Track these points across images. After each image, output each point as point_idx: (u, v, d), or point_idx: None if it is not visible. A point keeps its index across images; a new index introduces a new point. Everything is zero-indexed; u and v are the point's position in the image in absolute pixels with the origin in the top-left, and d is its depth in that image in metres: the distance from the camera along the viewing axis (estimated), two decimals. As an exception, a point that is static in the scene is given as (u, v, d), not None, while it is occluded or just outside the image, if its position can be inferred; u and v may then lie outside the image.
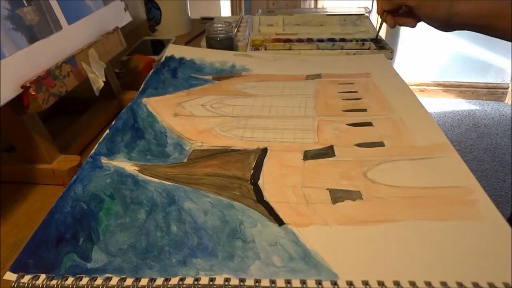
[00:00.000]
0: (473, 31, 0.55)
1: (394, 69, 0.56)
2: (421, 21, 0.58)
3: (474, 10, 0.51)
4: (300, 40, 0.71)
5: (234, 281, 0.25)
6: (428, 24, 0.57)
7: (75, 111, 0.49)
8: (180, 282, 0.25)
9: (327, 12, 0.94)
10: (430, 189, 0.32)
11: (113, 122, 0.43)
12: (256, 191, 0.32)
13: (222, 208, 0.31)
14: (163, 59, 0.61)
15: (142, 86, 0.53)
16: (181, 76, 0.56)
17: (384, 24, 0.61)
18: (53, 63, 0.38)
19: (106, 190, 0.33)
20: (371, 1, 2.37)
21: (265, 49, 0.68)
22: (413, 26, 0.60)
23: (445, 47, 2.17)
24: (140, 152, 0.39)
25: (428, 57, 2.23)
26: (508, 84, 2.30)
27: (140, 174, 0.35)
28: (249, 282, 0.24)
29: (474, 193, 0.31)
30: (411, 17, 0.59)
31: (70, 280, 0.25)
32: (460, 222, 0.28)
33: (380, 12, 0.60)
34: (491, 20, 0.51)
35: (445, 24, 0.54)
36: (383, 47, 0.66)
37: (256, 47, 0.69)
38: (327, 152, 0.37)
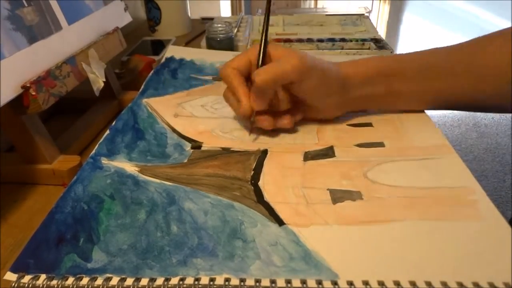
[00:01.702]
0: (372, 106, 0.43)
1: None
2: (303, 113, 0.41)
3: (366, 71, 0.40)
4: (300, 40, 0.71)
5: (235, 281, 0.25)
6: (314, 115, 0.42)
7: (75, 111, 0.49)
8: (180, 282, 0.25)
9: (327, 12, 0.94)
10: (430, 189, 0.32)
11: (113, 123, 0.43)
12: (257, 191, 0.32)
13: (223, 208, 0.31)
14: (163, 60, 0.61)
15: (142, 86, 0.53)
16: (181, 76, 0.56)
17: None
18: (53, 63, 0.38)
19: (106, 191, 0.33)
20: (371, 1, 2.37)
21: (265, 49, 0.68)
22: (291, 125, 0.40)
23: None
24: (141, 152, 0.39)
25: (428, 57, 2.23)
26: (508, 84, 2.30)
27: (140, 175, 0.35)
28: (249, 282, 0.25)
29: (474, 193, 0.31)
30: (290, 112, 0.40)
31: (70, 280, 0.25)
32: (460, 222, 0.28)
33: (248, 111, 0.38)
34: (391, 79, 0.40)
35: (339, 97, 0.40)
36: (383, 47, 0.66)
37: (256, 47, 0.69)
38: (327, 152, 0.37)
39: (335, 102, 0.40)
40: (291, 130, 0.41)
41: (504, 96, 0.39)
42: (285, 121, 0.40)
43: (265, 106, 0.38)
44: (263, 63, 0.39)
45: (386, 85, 0.40)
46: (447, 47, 0.41)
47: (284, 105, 0.39)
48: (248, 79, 0.39)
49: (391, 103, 0.42)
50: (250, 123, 0.41)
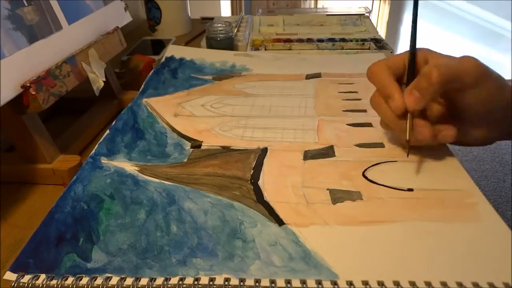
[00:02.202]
0: None
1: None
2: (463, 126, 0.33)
3: None
4: (300, 40, 0.71)
5: (234, 281, 0.25)
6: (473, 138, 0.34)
7: (75, 111, 0.49)
8: (180, 282, 0.25)
9: (327, 12, 0.94)
10: (430, 191, 0.32)
11: (113, 123, 0.43)
12: (256, 191, 0.32)
13: (222, 208, 0.31)
14: (163, 59, 0.61)
15: (142, 86, 0.53)
16: (181, 76, 0.56)
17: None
18: (53, 63, 0.38)
19: (106, 190, 0.33)
20: (371, 1, 2.37)
21: (265, 49, 0.68)
22: (454, 136, 0.33)
23: (445, 46, 2.17)
24: (140, 152, 0.39)
25: (428, 57, 2.23)
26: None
27: (140, 174, 0.35)
28: (249, 282, 0.25)
29: (473, 196, 0.31)
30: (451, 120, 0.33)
31: (70, 280, 0.25)
32: (459, 223, 0.28)
33: (401, 110, 0.32)
34: None
35: (504, 119, 0.33)
36: (383, 47, 0.66)
37: (256, 47, 0.69)
38: (327, 152, 0.37)
39: (498, 127, 0.34)
40: (291, 126, 0.41)
41: None
42: (450, 132, 0.32)
43: (423, 105, 0.32)
44: (413, 69, 0.34)
45: None
46: None
47: (439, 111, 0.33)
48: (400, 82, 0.34)
49: None
50: (408, 137, 0.33)
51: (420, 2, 0.38)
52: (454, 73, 0.31)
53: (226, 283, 0.25)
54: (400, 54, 0.35)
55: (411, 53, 0.34)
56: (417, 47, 0.35)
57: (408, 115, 0.32)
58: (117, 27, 0.51)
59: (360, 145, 0.38)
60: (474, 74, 0.30)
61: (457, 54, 0.34)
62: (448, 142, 0.34)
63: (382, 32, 2.38)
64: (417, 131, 0.32)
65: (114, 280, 0.25)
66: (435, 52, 0.35)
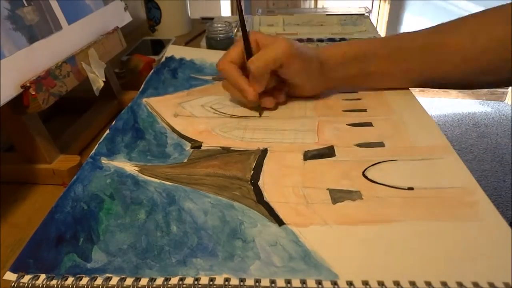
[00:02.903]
0: (349, 86, 0.48)
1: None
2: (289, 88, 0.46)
3: (339, 54, 0.44)
4: (300, 40, 0.71)
5: (234, 281, 0.25)
6: (298, 93, 0.47)
7: (75, 111, 0.49)
8: (180, 282, 0.25)
9: (327, 12, 0.94)
10: (430, 189, 0.32)
11: (113, 123, 0.43)
12: (256, 191, 0.32)
13: (222, 208, 0.31)
14: (163, 59, 0.61)
15: (142, 86, 0.53)
16: (181, 76, 0.56)
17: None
18: (53, 63, 0.38)
19: (106, 190, 0.33)
20: (371, 1, 2.37)
21: (265, 49, 0.68)
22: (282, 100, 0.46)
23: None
24: (140, 152, 0.39)
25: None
26: (508, 84, 2.30)
27: (140, 175, 0.35)
28: (249, 282, 0.25)
29: (474, 194, 0.31)
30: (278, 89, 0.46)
31: (70, 280, 0.25)
32: (460, 222, 0.28)
33: (254, 97, 0.43)
34: (362, 62, 0.45)
35: (318, 77, 0.45)
36: (383, 47, 0.66)
37: (256, 47, 0.69)
38: (327, 152, 0.37)
39: (315, 82, 0.46)
40: (291, 126, 0.41)
41: (466, 74, 0.44)
42: (282, 97, 0.46)
43: (263, 87, 0.43)
44: (250, 52, 0.43)
45: (359, 67, 0.45)
46: (414, 31, 0.46)
47: (272, 84, 0.45)
48: (243, 67, 0.43)
49: (365, 83, 0.48)
50: (257, 107, 0.45)
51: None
52: (267, 61, 0.41)
53: (226, 283, 0.25)
54: (237, 44, 0.44)
55: (245, 43, 0.43)
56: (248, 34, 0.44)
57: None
58: (117, 27, 0.51)
59: (360, 145, 0.38)
60: (286, 55, 0.41)
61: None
62: (282, 101, 0.46)
63: (382, 32, 2.38)
64: (265, 104, 0.45)
65: (114, 280, 0.25)
66: (262, 35, 0.44)
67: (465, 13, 0.45)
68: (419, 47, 0.45)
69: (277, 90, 0.46)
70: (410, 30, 0.46)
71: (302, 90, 0.46)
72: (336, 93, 0.49)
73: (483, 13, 0.43)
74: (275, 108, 0.46)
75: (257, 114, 0.45)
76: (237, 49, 0.44)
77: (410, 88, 0.49)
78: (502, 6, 0.42)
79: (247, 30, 0.44)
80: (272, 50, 0.41)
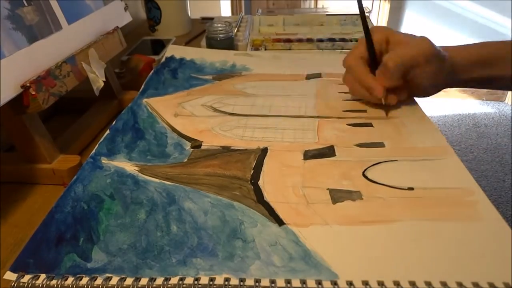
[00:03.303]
0: (477, 87, 0.48)
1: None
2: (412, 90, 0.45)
3: (469, 56, 0.43)
4: (300, 40, 0.71)
5: (234, 281, 0.25)
6: (423, 93, 0.45)
7: (75, 111, 0.49)
8: (180, 282, 0.25)
9: (327, 12, 0.94)
10: (430, 189, 0.32)
11: (113, 123, 0.43)
12: (256, 191, 0.32)
13: (222, 208, 0.31)
14: (163, 59, 0.61)
15: (143, 86, 0.53)
16: (181, 76, 0.56)
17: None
18: (53, 63, 0.38)
19: (106, 190, 0.33)
20: (371, 1, 2.37)
21: (265, 49, 0.68)
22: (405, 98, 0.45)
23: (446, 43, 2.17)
24: (140, 152, 0.39)
25: (428, 57, 2.23)
26: (508, 84, 2.30)
27: (140, 174, 0.35)
28: (249, 282, 0.25)
29: (474, 194, 0.31)
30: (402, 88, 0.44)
31: (70, 280, 0.25)
32: (460, 222, 0.28)
33: (382, 94, 0.42)
34: (492, 65, 0.43)
35: (446, 79, 0.44)
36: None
37: (256, 47, 0.69)
38: (328, 152, 0.37)
39: (441, 83, 0.44)
40: (291, 126, 0.41)
41: None
42: (403, 96, 0.44)
43: (394, 85, 0.42)
44: (373, 50, 0.43)
45: (489, 70, 0.44)
46: None
47: (400, 82, 0.42)
48: (368, 63, 0.43)
49: (488, 85, 0.47)
50: (381, 103, 0.43)
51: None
52: (407, 59, 0.40)
53: (226, 283, 0.25)
54: (363, 41, 0.44)
55: (367, 41, 0.43)
56: (376, 28, 0.44)
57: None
58: (117, 27, 0.51)
59: (360, 145, 0.38)
60: (425, 55, 0.40)
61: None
62: (404, 99, 0.44)
63: (382, 32, 2.37)
64: (389, 101, 0.43)
65: (114, 280, 0.25)
66: (394, 31, 0.43)
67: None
68: None
69: (399, 88, 0.44)
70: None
71: (424, 91, 0.45)
72: (337, 93, 0.49)
73: None
74: (391, 107, 0.44)
75: (257, 113, 0.45)
76: (364, 46, 0.43)
77: None
78: None
79: (368, 26, 0.43)
80: (412, 48, 0.40)
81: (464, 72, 0.44)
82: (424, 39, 0.41)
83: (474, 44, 0.45)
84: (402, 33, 0.43)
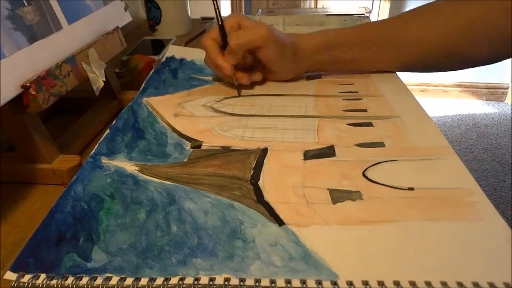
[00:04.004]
0: (321, 70, 0.54)
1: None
2: (266, 71, 0.52)
3: (311, 44, 0.50)
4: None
5: (234, 281, 0.25)
6: (276, 76, 0.52)
7: (75, 111, 0.49)
8: (180, 282, 0.25)
9: (327, 12, 0.94)
10: (430, 190, 0.32)
11: (113, 122, 0.43)
12: (256, 191, 0.32)
13: (222, 208, 0.31)
14: (163, 59, 0.61)
15: (143, 86, 0.53)
16: (181, 76, 0.56)
17: None
18: (53, 63, 0.38)
19: (106, 190, 0.33)
20: (371, 1, 2.37)
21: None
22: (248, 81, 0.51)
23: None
24: (141, 152, 0.39)
25: (428, 57, 2.23)
26: (508, 84, 2.30)
27: (140, 174, 0.35)
28: (249, 282, 0.24)
29: (474, 194, 0.31)
30: (255, 69, 0.52)
31: (70, 279, 0.25)
32: (460, 222, 0.28)
33: (230, 71, 0.48)
34: (331, 51, 0.50)
35: (293, 63, 0.50)
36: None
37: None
38: (328, 152, 0.37)
39: (289, 67, 0.51)
40: (291, 126, 0.41)
41: (428, 63, 0.50)
42: (257, 76, 0.52)
43: (237, 61, 0.48)
44: (224, 33, 0.48)
45: (330, 54, 0.50)
46: (380, 21, 0.52)
47: (249, 62, 0.51)
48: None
49: (335, 68, 0.53)
50: (233, 82, 0.50)
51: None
52: (246, 41, 0.47)
53: (226, 283, 0.25)
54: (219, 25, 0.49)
55: (219, 26, 0.48)
56: (231, 14, 0.50)
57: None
58: (117, 27, 0.51)
59: (360, 145, 0.38)
60: (263, 39, 0.46)
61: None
62: (259, 80, 0.52)
63: (382, 32, 2.37)
64: (240, 80, 0.50)
65: (114, 280, 0.25)
66: (245, 18, 0.49)
67: None
68: (384, 37, 0.50)
69: (252, 69, 0.52)
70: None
71: (278, 75, 0.52)
72: (337, 93, 0.49)
73: (437, 3, 0.48)
74: (251, 87, 0.51)
75: (257, 113, 0.45)
76: (217, 29, 0.49)
77: (409, 88, 0.49)
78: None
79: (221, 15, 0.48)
80: (251, 32, 0.47)
81: (310, 56, 0.50)
82: (262, 26, 0.47)
83: (319, 31, 0.51)
84: (250, 20, 0.49)
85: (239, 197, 0.32)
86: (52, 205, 0.31)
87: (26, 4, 0.36)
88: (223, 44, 0.48)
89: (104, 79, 0.44)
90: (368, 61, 0.52)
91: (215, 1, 0.49)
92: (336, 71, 0.54)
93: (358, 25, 0.53)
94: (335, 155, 0.37)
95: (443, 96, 2.39)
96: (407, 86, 0.50)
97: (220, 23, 0.48)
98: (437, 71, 0.53)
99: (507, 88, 2.29)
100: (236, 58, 0.48)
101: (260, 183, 0.33)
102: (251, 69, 0.52)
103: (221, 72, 0.49)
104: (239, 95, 0.50)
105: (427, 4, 0.49)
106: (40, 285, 0.25)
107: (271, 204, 0.31)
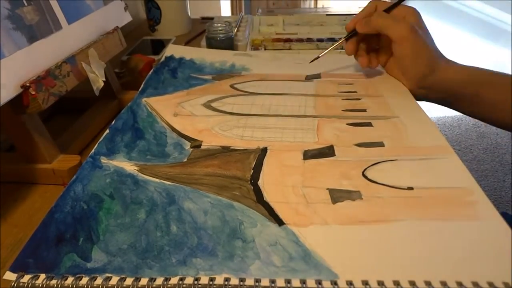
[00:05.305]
0: (450, 103, 0.49)
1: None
2: (385, 65, 0.53)
3: (461, 72, 0.46)
4: (300, 40, 0.71)
5: (234, 281, 0.25)
6: (398, 74, 0.50)
7: (75, 111, 0.49)
8: (180, 282, 0.25)
9: (327, 12, 0.94)
10: (430, 189, 0.32)
11: (113, 122, 0.43)
12: (256, 191, 0.32)
13: (222, 208, 0.31)
14: (163, 59, 0.61)
15: (142, 86, 0.53)
16: (181, 76, 0.56)
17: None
18: (53, 63, 0.38)
19: (106, 190, 0.33)
20: (371, 1, 2.37)
21: (265, 49, 0.68)
22: (374, 66, 0.52)
23: (445, 46, 2.17)
24: (140, 152, 0.39)
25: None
26: (508, 84, 2.30)
27: (140, 174, 0.35)
28: (249, 282, 0.24)
29: (474, 194, 0.31)
30: (377, 55, 0.53)
31: (70, 279, 0.25)
32: (460, 222, 0.28)
33: (351, 27, 0.50)
34: (480, 88, 0.45)
35: (421, 80, 0.47)
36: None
37: (256, 47, 0.69)
38: (327, 151, 0.37)
39: (419, 75, 0.47)
40: (291, 125, 0.41)
41: None
42: (374, 61, 0.52)
43: (364, 30, 0.48)
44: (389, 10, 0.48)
45: (474, 89, 0.46)
46: None
47: (375, 45, 0.52)
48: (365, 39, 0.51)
49: (471, 106, 0.48)
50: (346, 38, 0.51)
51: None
52: (382, 25, 0.46)
53: (226, 283, 0.25)
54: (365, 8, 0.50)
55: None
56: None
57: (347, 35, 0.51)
58: (117, 27, 0.51)
59: (359, 145, 0.38)
60: (397, 36, 0.45)
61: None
62: (374, 66, 0.53)
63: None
64: (360, 55, 0.52)
65: (114, 280, 0.25)
66: (401, 9, 0.48)
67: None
68: None
69: (375, 56, 0.52)
70: None
71: (402, 74, 0.50)
72: (336, 92, 0.49)
73: None
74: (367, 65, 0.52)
75: (257, 113, 0.45)
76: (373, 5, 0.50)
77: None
78: None
79: None
80: (395, 23, 0.45)
81: (444, 80, 0.46)
82: (407, 25, 0.45)
83: (473, 66, 0.47)
84: (401, 9, 0.48)
85: (238, 197, 0.32)
86: (52, 205, 0.31)
87: (26, 4, 0.36)
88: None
89: (104, 79, 0.44)
90: (506, 105, 0.45)
91: None
92: (462, 111, 0.49)
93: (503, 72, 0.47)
94: (335, 155, 0.37)
95: (443, 96, 2.39)
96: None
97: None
98: None
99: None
100: (365, 28, 0.47)
101: (260, 183, 0.33)
102: (373, 53, 0.52)
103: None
104: (318, 57, 0.53)
105: None
106: (40, 285, 0.25)
107: (271, 204, 0.31)
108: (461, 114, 0.50)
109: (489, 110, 0.47)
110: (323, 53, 0.53)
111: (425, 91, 0.48)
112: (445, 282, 0.24)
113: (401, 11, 0.48)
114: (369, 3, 0.50)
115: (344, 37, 0.51)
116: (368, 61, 0.52)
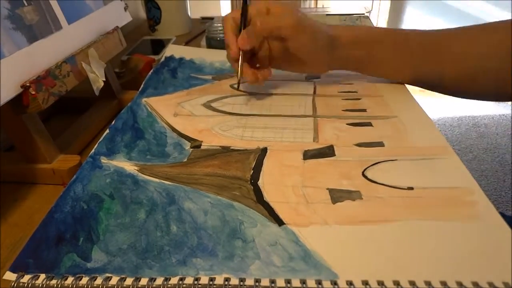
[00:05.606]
0: (353, 68, 0.49)
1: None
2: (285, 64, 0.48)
3: (352, 35, 0.46)
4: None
5: (234, 281, 0.25)
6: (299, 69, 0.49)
7: (75, 111, 0.49)
8: (180, 282, 0.25)
9: (327, 12, 0.94)
10: (430, 189, 0.32)
11: (112, 122, 0.43)
12: (256, 191, 0.32)
13: (222, 208, 0.31)
14: (162, 59, 0.61)
15: (142, 86, 0.53)
16: (180, 76, 0.56)
17: None
18: (53, 63, 0.38)
19: (106, 190, 0.33)
20: (371, 1, 2.37)
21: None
22: (262, 81, 0.47)
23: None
24: (140, 152, 0.39)
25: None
26: (508, 84, 2.30)
27: (140, 174, 0.35)
28: (249, 281, 0.25)
29: (474, 194, 0.31)
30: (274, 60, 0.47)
31: (70, 279, 0.25)
32: (459, 222, 0.28)
33: (236, 53, 0.44)
34: (371, 46, 0.46)
35: (326, 55, 0.46)
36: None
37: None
38: (327, 151, 0.37)
39: (322, 59, 0.47)
40: (291, 125, 0.41)
41: (461, 78, 0.45)
42: (266, 73, 0.47)
43: (250, 47, 0.43)
44: (246, 18, 0.45)
45: (366, 50, 0.46)
46: (422, 29, 0.47)
47: (265, 52, 0.45)
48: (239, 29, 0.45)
49: (367, 67, 0.49)
50: (237, 75, 0.45)
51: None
52: (270, 28, 0.43)
53: (226, 283, 0.25)
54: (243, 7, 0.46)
55: (243, 7, 0.45)
56: None
57: (240, 58, 0.44)
58: (117, 27, 0.51)
59: (359, 145, 0.38)
60: (291, 29, 0.42)
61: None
62: (266, 77, 0.47)
63: (382, 32, 2.37)
64: (246, 73, 0.45)
65: (114, 280, 0.25)
66: (274, 2, 0.45)
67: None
68: (423, 43, 0.46)
69: (262, 68, 0.47)
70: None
71: (308, 66, 0.48)
72: (336, 92, 0.49)
73: (488, 23, 0.44)
74: (259, 84, 0.46)
75: (257, 113, 0.45)
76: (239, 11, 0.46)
77: (409, 88, 0.49)
78: (507, 20, 0.43)
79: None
80: (278, 20, 0.43)
81: (346, 47, 0.46)
82: (291, 14, 0.43)
83: (354, 26, 0.49)
84: (281, 5, 0.44)
85: (238, 197, 0.32)
86: (52, 205, 0.31)
87: (26, 4, 0.36)
88: (241, 26, 0.45)
89: (104, 79, 0.44)
90: (403, 65, 0.47)
91: None
92: (365, 73, 0.50)
93: (398, 28, 0.49)
94: (335, 155, 0.37)
95: (443, 96, 2.39)
96: (406, 86, 0.50)
97: (246, 3, 0.45)
98: (466, 95, 0.48)
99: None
100: (250, 44, 0.43)
101: (260, 183, 0.33)
102: (261, 65, 0.48)
103: (228, 52, 0.45)
104: (238, 88, 0.47)
105: (474, 24, 0.45)
106: (40, 285, 0.25)
107: (271, 204, 0.31)
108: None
109: (379, 70, 0.49)
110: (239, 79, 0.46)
111: (334, 67, 0.49)
112: (445, 282, 0.24)
113: (276, 9, 0.45)
114: (223, 21, 0.46)
115: (240, 65, 0.44)
116: (256, 77, 0.46)
